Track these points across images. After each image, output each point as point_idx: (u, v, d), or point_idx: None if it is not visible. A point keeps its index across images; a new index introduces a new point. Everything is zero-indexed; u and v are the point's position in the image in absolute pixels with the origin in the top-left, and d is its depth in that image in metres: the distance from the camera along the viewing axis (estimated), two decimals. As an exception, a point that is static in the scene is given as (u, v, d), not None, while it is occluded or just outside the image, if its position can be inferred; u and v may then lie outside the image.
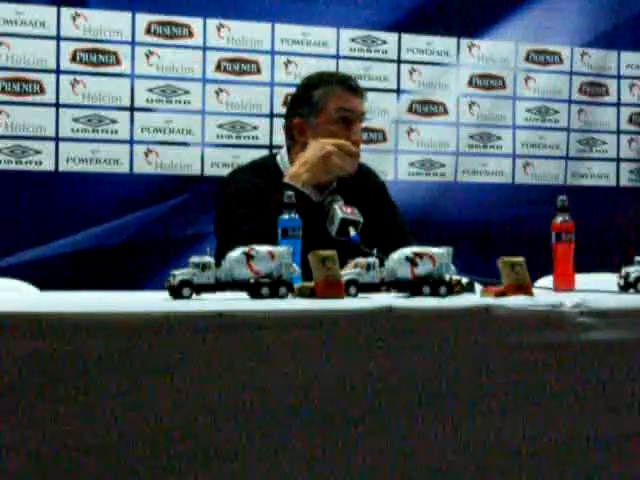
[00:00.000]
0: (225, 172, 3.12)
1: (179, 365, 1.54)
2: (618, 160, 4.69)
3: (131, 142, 3.85)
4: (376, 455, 1.63)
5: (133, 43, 3.86)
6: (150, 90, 3.88)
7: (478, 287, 2.01)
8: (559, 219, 2.17)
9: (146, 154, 3.87)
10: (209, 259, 1.79)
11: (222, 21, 3.99)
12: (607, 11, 4.60)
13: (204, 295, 1.78)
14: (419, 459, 1.66)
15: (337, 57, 4.17)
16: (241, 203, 2.59)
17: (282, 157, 2.73)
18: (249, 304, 1.74)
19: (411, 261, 1.88)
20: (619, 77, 4.67)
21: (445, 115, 4.38)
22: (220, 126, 3.99)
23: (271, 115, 3.99)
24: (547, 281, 2.28)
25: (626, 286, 2.06)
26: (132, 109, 3.86)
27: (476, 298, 1.91)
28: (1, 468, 1.46)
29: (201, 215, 3.68)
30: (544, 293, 2.06)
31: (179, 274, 1.77)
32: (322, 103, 2.66)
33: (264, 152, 3.59)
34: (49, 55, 3.74)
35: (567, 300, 1.77)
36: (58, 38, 3.75)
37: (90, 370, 1.50)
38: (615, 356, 1.78)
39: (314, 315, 1.65)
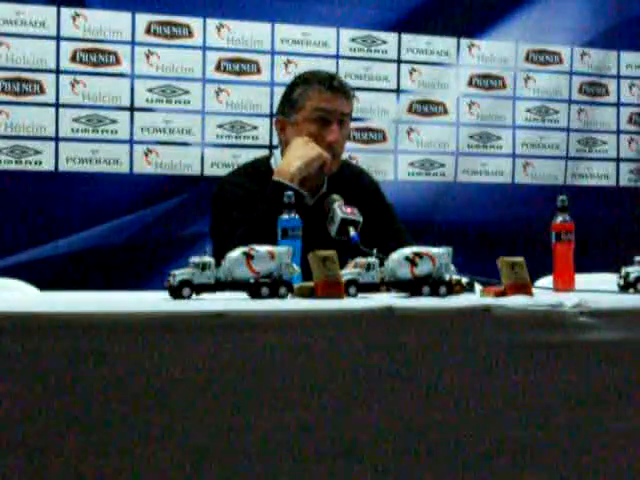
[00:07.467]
0: (225, 172, 3.13)
1: (179, 365, 1.54)
2: (618, 160, 4.68)
3: (131, 142, 3.85)
4: (376, 454, 1.63)
5: (133, 43, 3.86)
6: (150, 90, 3.88)
7: (478, 287, 2.01)
8: (559, 219, 2.17)
9: (146, 154, 3.86)
10: (209, 259, 1.79)
11: (222, 21, 3.99)
12: (607, 11, 4.60)
13: (204, 295, 1.78)
14: (419, 458, 1.66)
15: (337, 57, 4.17)
16: (234, 207, 2.62)
17: (276, 159, 2.73)
18: (249, 304, 1.74)
19: (411, 261, 1.88)
20: (619, 77, 4.67)
21: (445, 115, 4.38)
22: (220, 126, 3.99)
23: (271, 115, 3.97)
24: (547, 281, 2.28)
25: (626, 286, 2.06)
26: (132, 109, 3.85)
27: (476, 298, 1.92)
28: (1, 468, 1.46)
29: (201, 215, 3.67)
30: (544, 293, 2.06)
31: (179, 274, 1.77)
32: (301, 102, 2.68)
33: (264, 152, 3.58)
34: (49, 55, 3.74)
35: (567, 300, 1.77)
36: (58, 38, 3.75)
37: (90, 370, 1.50)
38: (615, 356, 1.78)
39: (314, 315, 1.65)
